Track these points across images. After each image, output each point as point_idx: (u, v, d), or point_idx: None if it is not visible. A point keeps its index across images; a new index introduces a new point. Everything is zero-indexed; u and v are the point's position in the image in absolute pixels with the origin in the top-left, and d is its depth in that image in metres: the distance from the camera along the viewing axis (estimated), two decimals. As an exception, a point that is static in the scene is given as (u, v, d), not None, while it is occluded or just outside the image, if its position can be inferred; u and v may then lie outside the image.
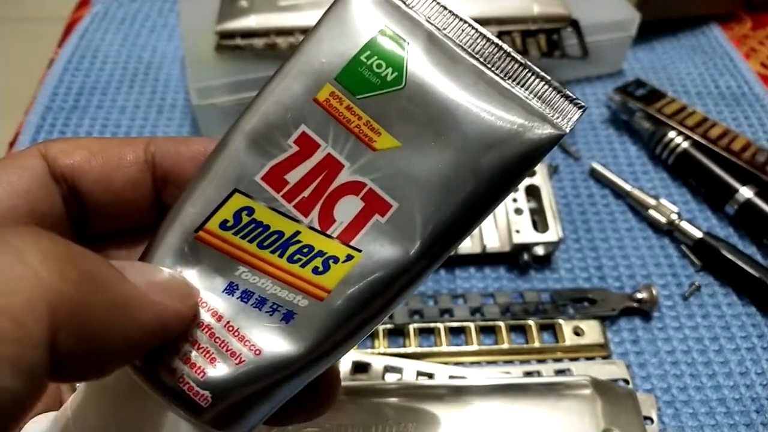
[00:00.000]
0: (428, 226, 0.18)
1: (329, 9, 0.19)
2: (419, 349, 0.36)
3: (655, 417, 0.33)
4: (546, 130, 0.18)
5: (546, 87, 0.18)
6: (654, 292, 0.37)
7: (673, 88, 0.53)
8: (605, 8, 0.51)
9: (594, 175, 0.46)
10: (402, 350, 0.35)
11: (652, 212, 0.42)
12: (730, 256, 0.39)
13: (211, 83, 0.44)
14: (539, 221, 0.40)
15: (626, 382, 0.34)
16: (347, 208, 0.18)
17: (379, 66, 0.18)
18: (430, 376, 0.34)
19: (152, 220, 0.21)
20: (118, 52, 0.55)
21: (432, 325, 0.36)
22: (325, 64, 0.18)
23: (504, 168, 0.18)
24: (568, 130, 0.18)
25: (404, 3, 0.19)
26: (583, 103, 0.18)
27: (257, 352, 0.17)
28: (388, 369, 0.34)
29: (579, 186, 0.45)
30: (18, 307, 0.12)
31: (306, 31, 0.45)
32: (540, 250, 0.39)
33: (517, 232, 0.39)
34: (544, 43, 0.48)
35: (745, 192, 0.41)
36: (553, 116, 0.18)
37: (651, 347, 0.36)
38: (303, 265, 0.18)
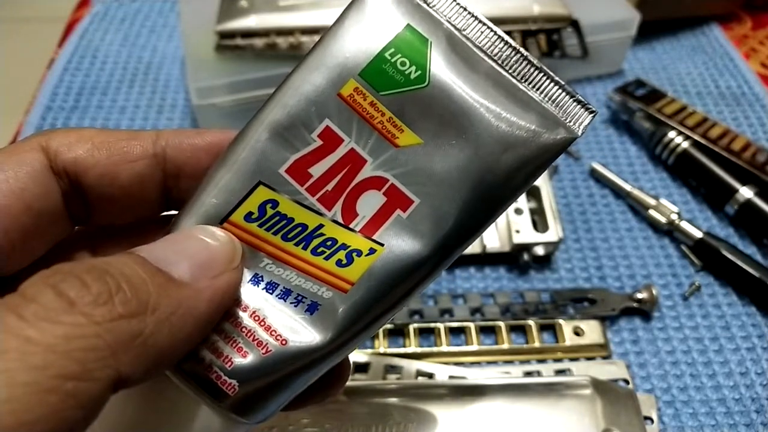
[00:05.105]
0: (448, 222, 0.18)
1: (350, 6, 0.19)
2: (419, 349, 0.36)
3: (655, 417, 0.33)
4: (560, 134, 0.18)
5: (560, 91, 0.19)
6: (654, 292, 0.37)
7: (673, 88, 0.53)
8: (605, 8, 0.51)
9: (594, 175, 0.46)
10: (402, 350, 0.35)
11: (652, 212, 0.42)
12: (730, 256, 0.39)
13: (211, 83, 0.44)
14: (539, 221, 0.40)
15: (626, 382, 0.34)
16: (370, 203, 0.19)
17: (403, 64, 0.18)
18: (430, 376, 0.34)
19: (157, 215, 0.21)
20: (118, 52, 0.55)
21: (432, 325, 0.36)
22: (349, 59, 0.18)
23: (520, 168, 0.18)
24: (580, 134, 0.18)
25: (426, 2, 0.19)
26: (594, 108, 0.19)
27: (283, 341, 0.18)
28: (388, 369, 0.34)
29: (579, 186, 0.45)
30: (79, 348, 0.13)
31: (306, 32, 0.46)
32: (540, 250, 0.39)
33: (517, 232, 0.39)
34: (544, 43, 0.48)
35: (745, 192, 0.41)
36: (566, 120, 0.18)
37: (651, 347, 0.36)
38: (327, 258, 0.18)
